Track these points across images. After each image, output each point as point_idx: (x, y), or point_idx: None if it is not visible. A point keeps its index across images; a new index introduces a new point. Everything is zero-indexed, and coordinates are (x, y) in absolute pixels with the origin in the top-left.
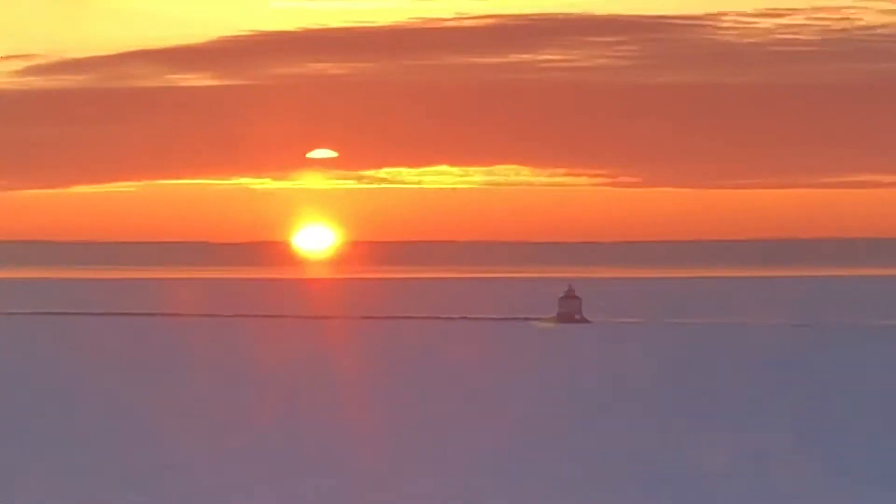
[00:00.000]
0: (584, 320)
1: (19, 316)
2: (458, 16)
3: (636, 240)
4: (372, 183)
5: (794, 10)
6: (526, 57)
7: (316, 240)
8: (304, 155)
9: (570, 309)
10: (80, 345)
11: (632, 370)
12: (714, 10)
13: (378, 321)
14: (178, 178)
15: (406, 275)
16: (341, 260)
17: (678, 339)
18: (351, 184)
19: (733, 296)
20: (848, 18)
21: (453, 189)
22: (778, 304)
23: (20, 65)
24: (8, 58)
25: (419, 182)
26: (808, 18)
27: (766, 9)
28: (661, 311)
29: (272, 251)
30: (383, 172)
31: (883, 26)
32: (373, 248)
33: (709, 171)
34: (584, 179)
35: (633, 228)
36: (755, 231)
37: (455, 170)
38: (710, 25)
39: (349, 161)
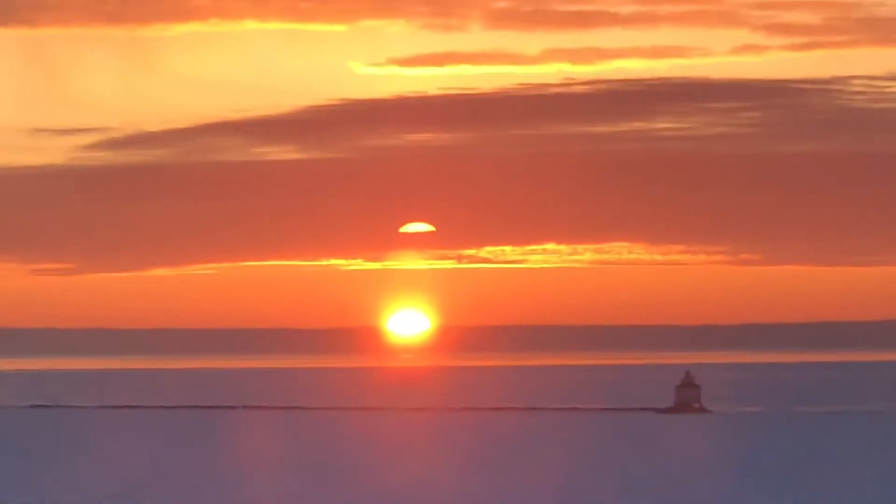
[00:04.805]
0: (703, 410)
1: (93, 410)
2: (565, 81)
3: (758, 322)
4: (473, 263)
5: None
6: (639, 125)
7: (412, 325)
8: (399, 232)
9: (687, 398)
10: (140, 439)
11: (757, 465)
12: (843, 73)
13: (481, 412)
14: (262, 259)
15: (510, 362)
16: (439, 346)
17: (808, 431)
18: (450, 264)
19: (867, 382)
20: None
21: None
22: None
23: (93, 138)
24: (80, 131)
25: (524, 261)
26: None
27: None
28: (788, 399)
29: (364, 337)
30: (485, 251)
31: None
32: (473, 334)
33: (837, 247)
34: (701, 257)
35: (754, 309)
36: (888, 311)
37: (563, 248)
38: (839, 90)
39: (448, 240)
